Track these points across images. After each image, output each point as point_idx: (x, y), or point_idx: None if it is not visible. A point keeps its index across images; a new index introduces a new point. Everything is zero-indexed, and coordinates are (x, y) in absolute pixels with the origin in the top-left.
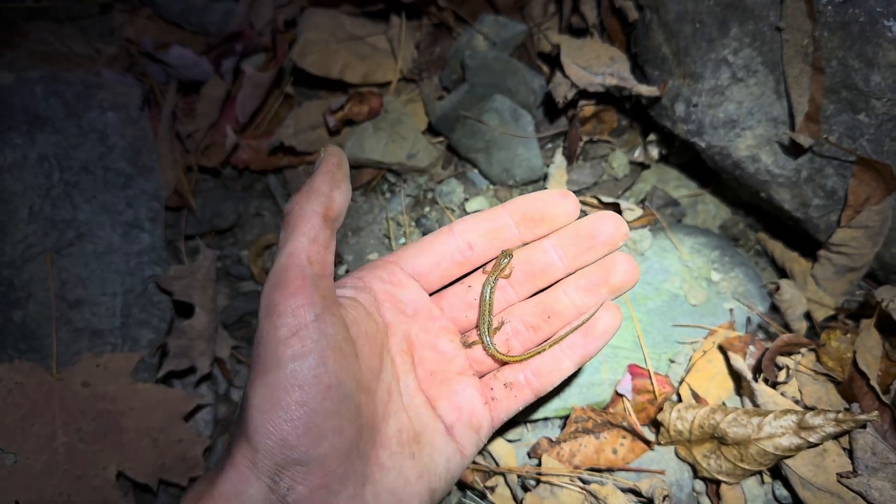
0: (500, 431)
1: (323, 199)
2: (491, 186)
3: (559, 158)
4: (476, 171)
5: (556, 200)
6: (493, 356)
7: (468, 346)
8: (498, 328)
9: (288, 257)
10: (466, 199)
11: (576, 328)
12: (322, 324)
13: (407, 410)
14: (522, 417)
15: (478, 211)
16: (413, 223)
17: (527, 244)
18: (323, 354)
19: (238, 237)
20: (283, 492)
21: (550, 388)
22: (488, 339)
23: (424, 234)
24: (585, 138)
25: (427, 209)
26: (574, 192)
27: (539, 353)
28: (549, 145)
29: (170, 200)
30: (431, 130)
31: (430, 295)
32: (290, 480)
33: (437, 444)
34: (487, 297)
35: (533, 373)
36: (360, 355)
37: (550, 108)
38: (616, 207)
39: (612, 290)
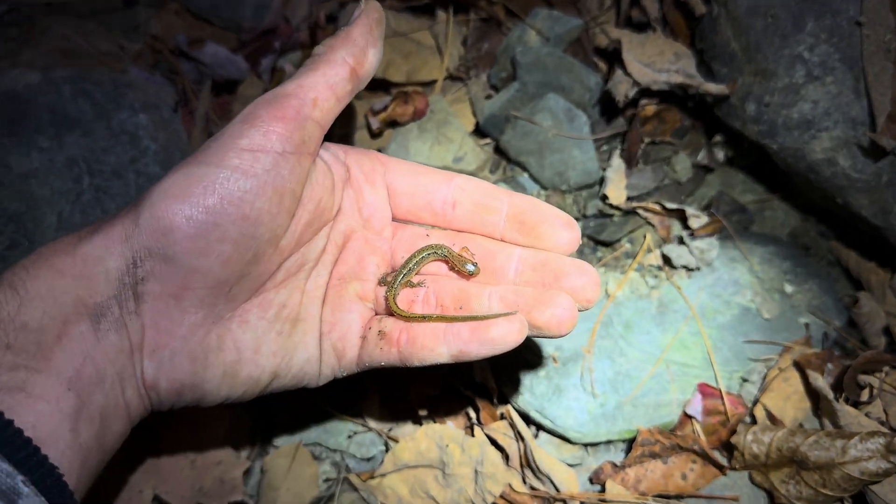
0: (555, 450)
1: (356, 51)
2: (543, 191)
3: (617, 161)
4: (526, 175)
5: (559, 224)
6: (386, 300)
7: (381, 283)
8: (416, 285)
9: (296, 87)
10: None
11: (466, 318)
12: (285, 161)
13: (303, 294)
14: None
15: (477, 178)
16: None
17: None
18: (263, 187)
19: None
20: (137, 277)
21: (417, 364)
22: (396, 286)
23: None
24: (646, 140)
25: None
26: (634, 197)
27: (421, 319)
28: (606, 147)
29: None
30: (479, 132)
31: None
32: (150, 271)
33: (307, 341)
34: (420, 258)
35: (408, 338)
36: (297, 217)
37: (607, 108)
38: (681, 214)
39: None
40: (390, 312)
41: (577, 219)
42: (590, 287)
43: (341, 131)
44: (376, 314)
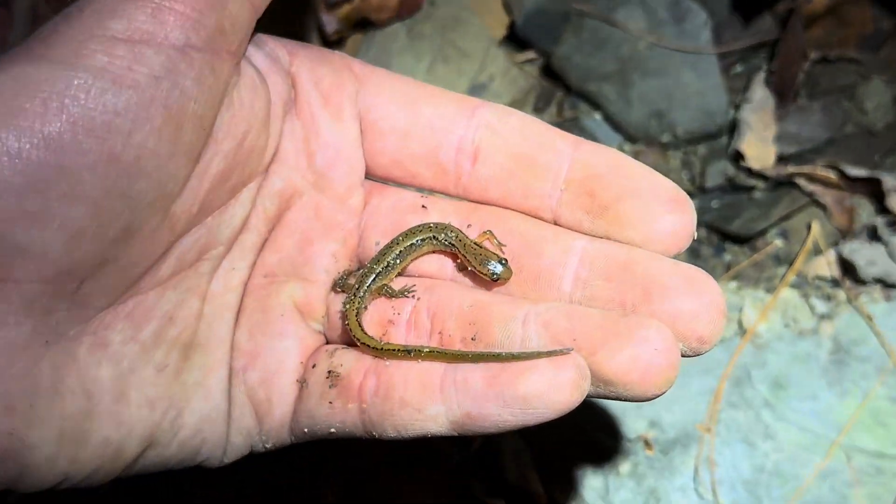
0: None
1: None
2: (627, 145)
3: (760, 93)
4: (598, 115)
5: (658, 200)
6: (345, 318)
7: (336, 286)
8: (398, 294)
9: None
10: None
11: (481, 356)
12: (187, 65)
13: (205, 301)
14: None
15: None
16: None
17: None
18: (148, 109)
19: None
20: None
21: (393, 434)
22: (363, 295)
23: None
24: (813, 55)
25: None
26: (789, 156)
27: (404, 355)
28: (740, 68)
29: None
30: (515, 39)
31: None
32: None
33: (207, 384)
34: (407, 248)
35: (379, 387)
36: (203, 165)
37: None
38: (874, 187)
39: (590, 363)
40: (351, 340)
41: (688, 194)
42: (706, 314)
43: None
44: (327, 342)
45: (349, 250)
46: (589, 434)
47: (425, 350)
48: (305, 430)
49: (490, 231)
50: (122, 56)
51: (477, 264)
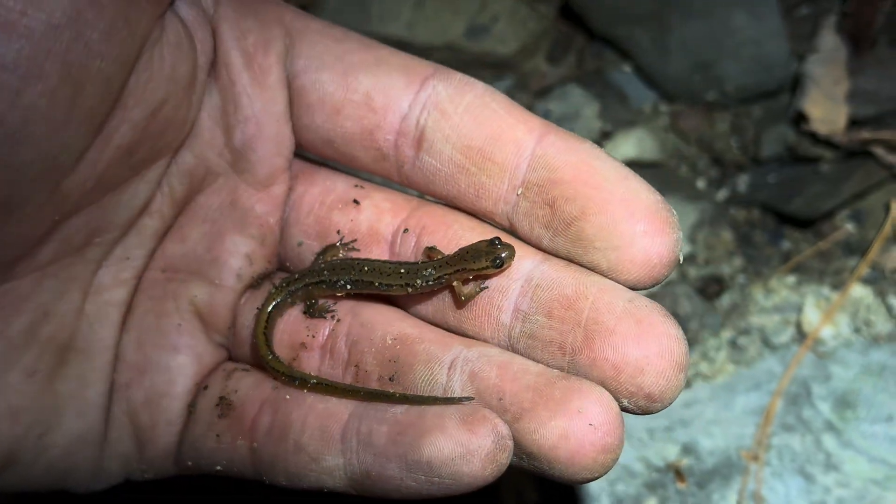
0: None
1: None
2: (664, 105)
3: (830, 40)
4: (628, 67)
5: (627, 216)
6: (253, 333)
7: (252, 285)
8: (316, 312)
9: None
10: (606, 135)
11: (390, 397)
12: (94, 14)
13: (87, 296)
14: None
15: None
16: None
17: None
18: (43, 64)
19: None
20: None
21: (285, 483)
22: (278, 302)
23: None
24: None
25: None
26: (865, 120)
27: (310, 386)
28: (806, 10)
29: None
30: None
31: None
32: None
33: (84, 395)
34: (355, 282)
35: (276, 425)
36: (106, 134)
37: None
38: None
39: (515, 429)
40: (257, 361)
41: (738, 166)
42: (655, 367)
43: None
44: (230, 358)
45: (267, 250)
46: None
47: (335, 386)
48: (189, 462)
49: (432, 247)
50: None
51: (473, 266)
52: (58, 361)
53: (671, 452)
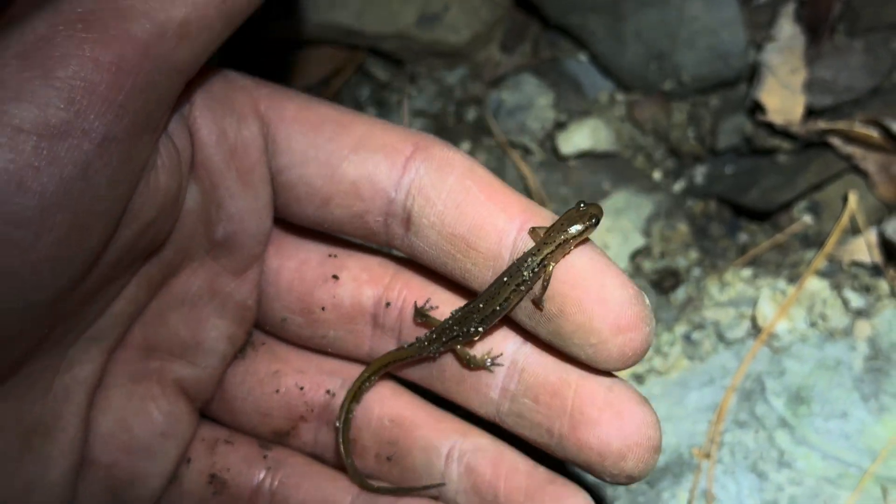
0: None
1: None
2: (619, 94)
3: (788, 30)
4: (584, 56)
5: (603, 314)
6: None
7: (234, 356)
8: (474, 363)
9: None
10: (560, 125)
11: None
12: (103, 160)
13: (60, 373)
14: None
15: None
16: None
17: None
18: (55, 217)
19: None
20: None
21: None
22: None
23: None
24: None
25: (465, 145)
26: (822, 110)
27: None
28: None
29: None
30: None
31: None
32: None
33: (51, 480)
34: (496, 306)
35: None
36: (104, 256)
37: None
38: None
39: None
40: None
41: (695, 157)
42: (633, 454)
43: None
44: (202, 415)
45: (247, 326)
46: (551, 457)
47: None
48: None
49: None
50: (29, 153)
51: (572, 235)
52: (24, 445)
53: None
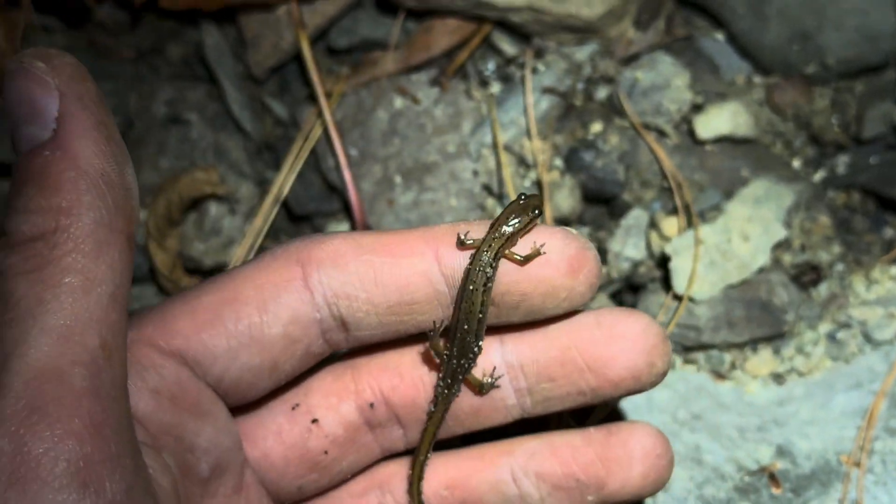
0: None
1: (116, 192)
2: (758, 77)
3: None
4: (721, 35)
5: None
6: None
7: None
8: (482, 386)
9: (59, 345)
10: (697, 108)
11: None
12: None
13: None
14: None
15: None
16: (560, 161)
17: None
18: None
19: None
20: None
21: None
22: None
23: (588, 192)
24: None
25: (596, 126)
26: None
27: None
28: None
29: None
30: None
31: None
32: None
33: None
34: (475, 318)
35: None
36: None
37: None
38: None
39: (606, 500)
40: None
41: (838, 145)
42: (642, 357)
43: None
44: None
45: None
46: (694, 459)
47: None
48: None
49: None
50: None
51: (519, 228)
52: None
53: (764, 454)
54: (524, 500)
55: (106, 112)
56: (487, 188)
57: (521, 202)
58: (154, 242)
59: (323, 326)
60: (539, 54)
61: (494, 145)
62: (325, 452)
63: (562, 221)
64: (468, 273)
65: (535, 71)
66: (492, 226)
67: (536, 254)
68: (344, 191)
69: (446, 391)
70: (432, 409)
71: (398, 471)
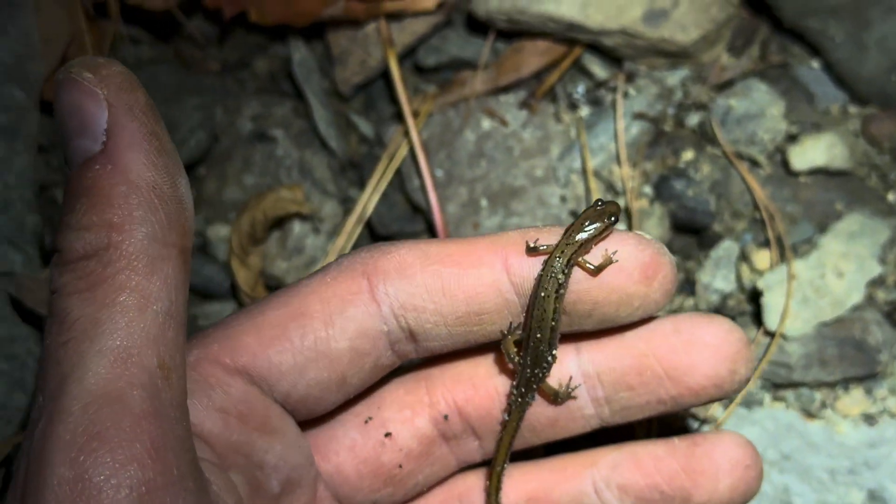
0: None
1: (169, 206)
2: (853, 107)
3: None
4: (817, 63)
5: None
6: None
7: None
8: (559, 396)
9: (115, 367)
10: (791, 138)
11: None
12: None
13: None
14: None
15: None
16: (649, 189)
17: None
18: None
19: (206, 188)
20: None
21: None
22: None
23: (678, 221)
24: None
25: (688, 153)
26: None
27: None
28: None
29: (47, 87)
30: None
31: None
32: None
33: None
34: (548, 324)
35: None
36: None
37: None
38: None
39: None
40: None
41: None
42: (729, 363)
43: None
44: None
45: None
46: (784, 501)
47: None
48: None
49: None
50: None
51: (594, 236)
52: None
53: (856, 499)
54: None
55: (157, 121)
56: (575, 214)
57: (598, 208)
58: (236, 259)
59: (391, 338)
60: (630, 78)
61: (583, 171)
62: (400, 466)
63: None
64: (540, 280)
65: (625, 95)
66: (566, 231)
67: (609, 262)
68: (428, 212)
69: (520, 400)
70: (507, 419)
71: (476, 483)
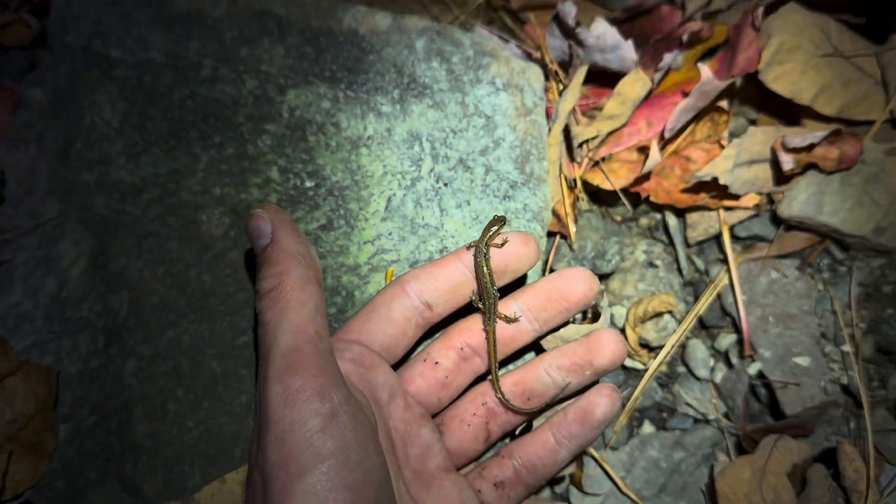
0: None
1: (307, 260)
2: None
3: None
4: None
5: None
6: (503, 404)
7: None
8: (512, 319)
9: (294, 335)
10: None
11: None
12: (353, 408)
13: None
14: None
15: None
16: (861, 326)
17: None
18: (364, 444)
19: (613, 290)
20: None
21: (544, 483)
22: (497, 384)
23: (879, 345)
24: None
25: (891, 310)
26: None
27: (555, 405)
28: None
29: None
30: None
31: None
32: None
33: None
34: (487, 279)
35: (526, 467)
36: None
37: None
38: None
39: (596, 371)
40: (508, 409)
41: None
42: (591, 285)
43: None
44: (459, 469)
45: (426, 418)
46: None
47: (547, 406)
48: None
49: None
50: None
51: (492, 230)
52: None
53: None
54: (553, 382)
55: (295, 225)
56: (825, 337)
57: (494, 218)
58: (629, 327)
59: (419, 310)
60: (853, 259)
61: (833, 310)
62: (447, 377)
63: None
64: (475, 257)
65: (854, 271)
66: (483, 233)
67: (505, 241)
68: (737, 318)
69: (489, 324)
70: (487, 339)
71: (486, 384)
